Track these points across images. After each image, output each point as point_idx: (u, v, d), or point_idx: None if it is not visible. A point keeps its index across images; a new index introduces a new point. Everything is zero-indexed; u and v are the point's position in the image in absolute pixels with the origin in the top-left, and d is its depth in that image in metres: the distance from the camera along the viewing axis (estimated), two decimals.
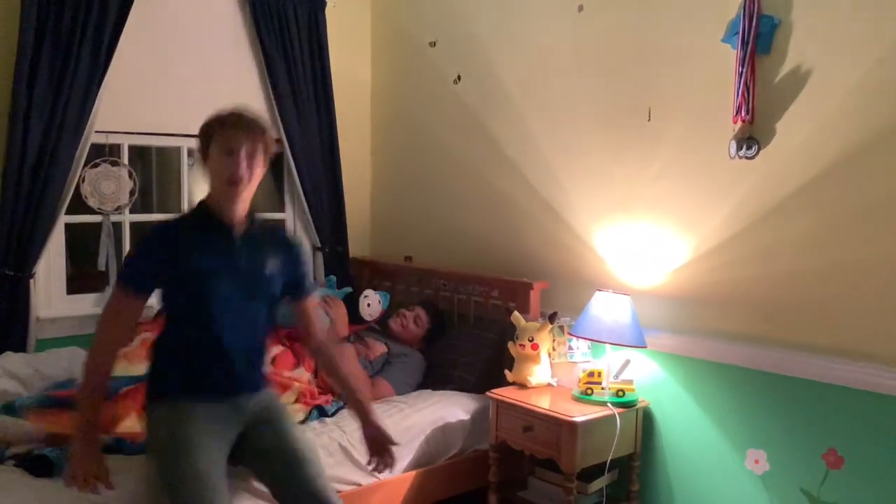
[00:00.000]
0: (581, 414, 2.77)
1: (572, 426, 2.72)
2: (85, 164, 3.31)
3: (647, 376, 3.00)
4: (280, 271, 2.26)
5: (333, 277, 3.76)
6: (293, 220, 4.12)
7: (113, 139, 3.45)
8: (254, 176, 2.12)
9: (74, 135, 3.16)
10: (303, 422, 2.79)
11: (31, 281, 3.15)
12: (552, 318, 3.11)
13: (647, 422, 2.98)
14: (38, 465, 2.20)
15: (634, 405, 2.89)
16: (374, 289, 4.15)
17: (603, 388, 2.90)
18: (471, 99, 3.73)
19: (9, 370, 2.85)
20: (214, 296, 2.12)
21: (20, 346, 3.11)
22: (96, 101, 3.21)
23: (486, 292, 3.59)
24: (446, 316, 3.70)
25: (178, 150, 3.72)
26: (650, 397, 2.98)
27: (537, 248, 3.49)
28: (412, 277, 3.98)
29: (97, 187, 3.39)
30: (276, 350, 3.11)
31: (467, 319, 3.67)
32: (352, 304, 3.64)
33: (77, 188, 3.29)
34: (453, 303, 3.75)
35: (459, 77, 3.79)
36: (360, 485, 2.73)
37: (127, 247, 3.54)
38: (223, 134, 2.07)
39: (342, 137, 4.09)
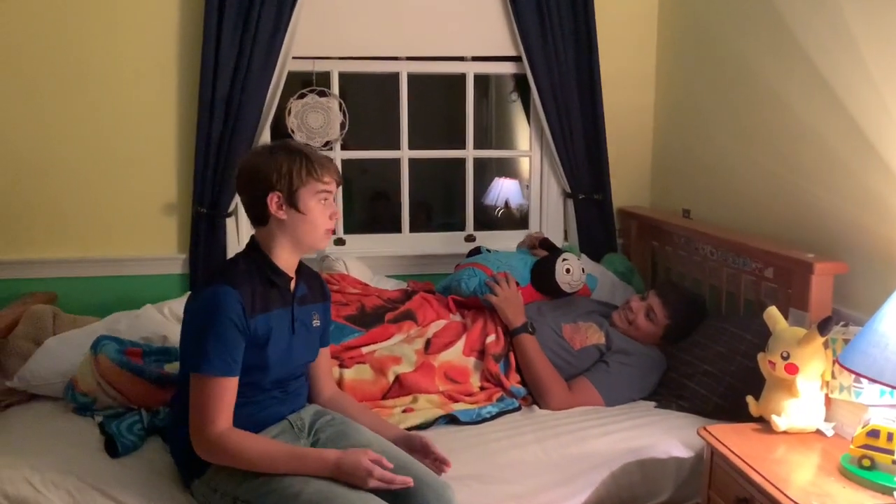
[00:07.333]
0: (830, 502, 1.58)
1: None
2: (290, 95, 3.01)
3: None
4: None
5: (571, 245, 2.88)
6: (539, 160, 3.31)
7: (320, 66, 3.07)
8: None
9: (266, 61, 2.85)
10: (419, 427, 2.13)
11: (229, 220, 2.97)
12: (824, 324, 1.85)
13: None
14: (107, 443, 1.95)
15: None
16: (642, 251, 3.19)
17: (895, 463, 1.63)
18: None
19: (177, 313, 2.69)
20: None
21: None
22: (291, 22, 2.84)
23: (759, 270, 2.39)
24: (701, 304, 2.60)
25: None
26: None
27: (842, 206, 2.17)
28: (681, 239, 2.90)
29: (304, 120, 3.06)
30: (438, 325, 2.48)
31: (736, 305, 2.52)
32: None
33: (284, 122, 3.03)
34: (721, 279, 2.61)
35: None
36: None
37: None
38: (317, 177, 1.79)
39: (609, 54, 3.13)
